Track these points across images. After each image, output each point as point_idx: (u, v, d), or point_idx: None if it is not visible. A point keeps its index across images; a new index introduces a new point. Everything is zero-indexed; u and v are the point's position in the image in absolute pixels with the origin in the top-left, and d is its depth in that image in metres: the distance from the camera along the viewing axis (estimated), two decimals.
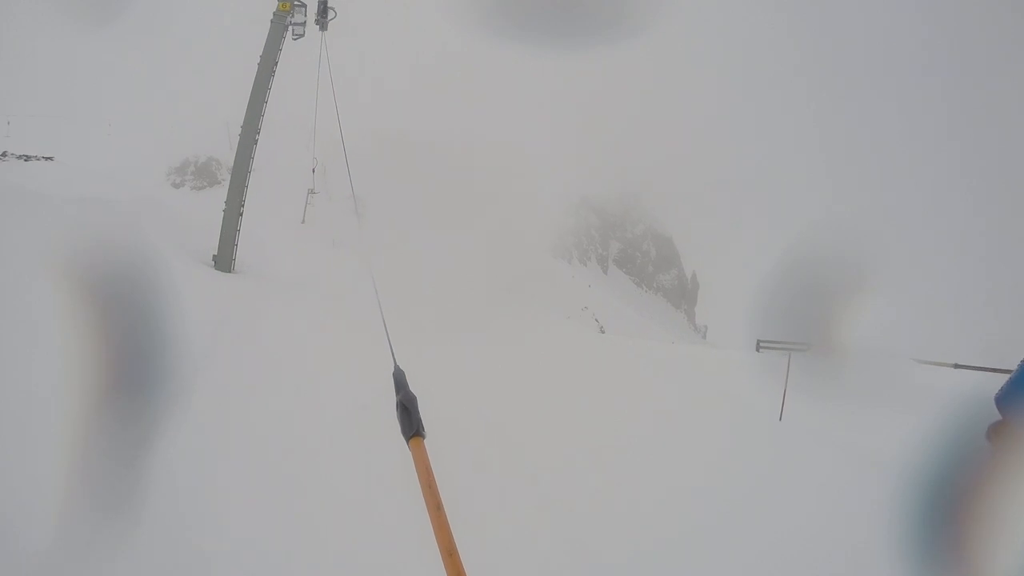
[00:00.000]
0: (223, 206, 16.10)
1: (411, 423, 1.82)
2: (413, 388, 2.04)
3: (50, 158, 20.01)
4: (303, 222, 31.44)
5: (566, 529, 6.74)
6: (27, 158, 19.51)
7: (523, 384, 13.72)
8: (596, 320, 42.34)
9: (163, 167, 39.04)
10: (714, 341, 69.07)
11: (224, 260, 15.65)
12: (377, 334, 3.18)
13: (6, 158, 19.08)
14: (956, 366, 18.50)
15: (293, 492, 6.02)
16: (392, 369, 2.07)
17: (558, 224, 55.20)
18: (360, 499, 6.16)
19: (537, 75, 56.99)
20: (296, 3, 15.59)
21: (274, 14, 15.52)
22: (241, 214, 16.16)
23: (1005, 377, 1.57)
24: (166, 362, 5.39)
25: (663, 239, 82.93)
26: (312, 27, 16.05)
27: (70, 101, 38.77)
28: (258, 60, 15.82)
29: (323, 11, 15.79)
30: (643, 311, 63.16)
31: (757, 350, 20.72)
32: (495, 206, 40.93)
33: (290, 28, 15.72)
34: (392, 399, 1.94)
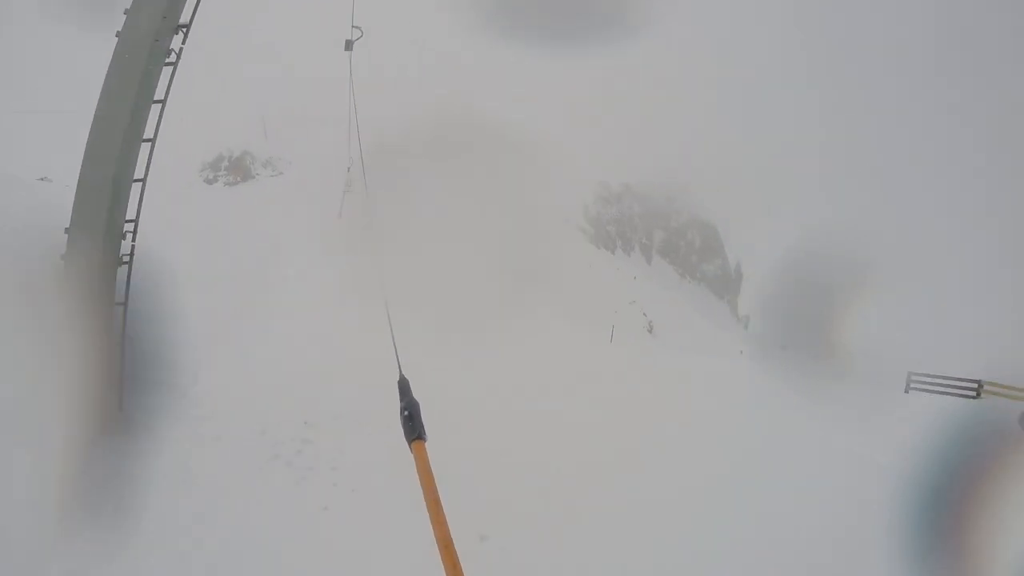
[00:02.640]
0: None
1: (414, 428, 1.99)
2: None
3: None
4: (340, 216, 30.29)
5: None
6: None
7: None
8: (644, 315, 40.63)
9: (196, 162, 38.06)
10: (756, 331, 67.30)
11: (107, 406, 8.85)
12: None
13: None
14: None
15: None
16: (397, 377, 2.13)
17: (601, 214, 53.62)
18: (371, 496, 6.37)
19: (562, 70, 55.57)
20: None
21: None
22: (126, 260, 9.53)
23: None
24: None
25: (707, 227, 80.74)
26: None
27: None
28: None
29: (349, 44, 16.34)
30: (687, 302, 61.27)
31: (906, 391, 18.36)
32: (535, 198, 39.66)
33: None
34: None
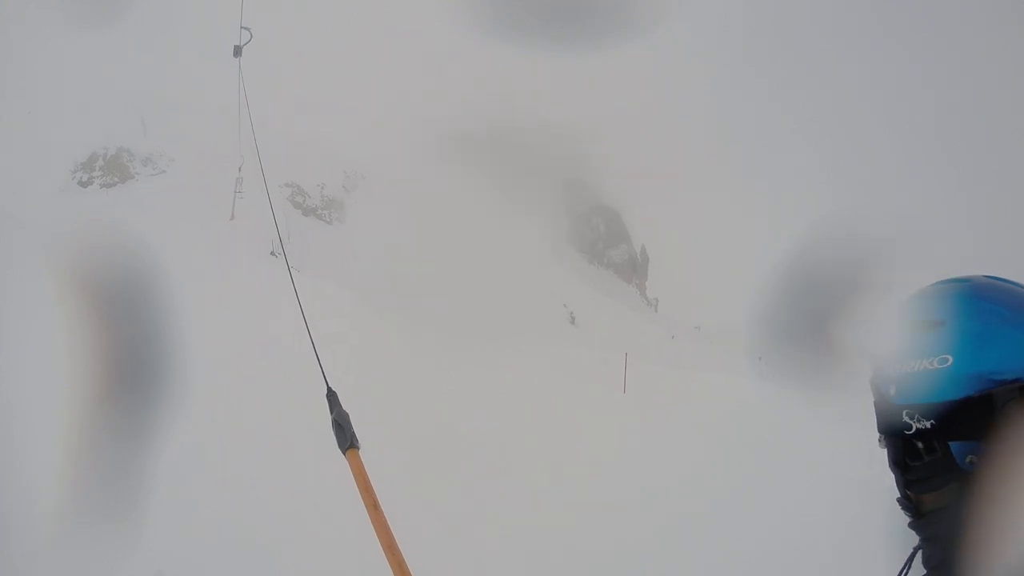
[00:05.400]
0: None
1: (345, 437, 1.93)
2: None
3: None
4: (232, 218, 27.55)
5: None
6: None
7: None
8: (564, 306, 39.30)
9: (69, 163, 34.36)
10: (665, 313, 67.64)
11: None
12: None
13: None
14: None
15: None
16: (325, 391, 2.11)
17: (518, 206, 52.34)
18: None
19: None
20: None
21: None
22: None
23: None
24: None
25: (611, 214, 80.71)
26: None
27: None
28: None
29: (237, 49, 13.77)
30: (599, 289, 60.61)
31: None
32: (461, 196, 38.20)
33: None
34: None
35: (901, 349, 1.22)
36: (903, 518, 1.23)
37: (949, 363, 1.15)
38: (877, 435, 1.30)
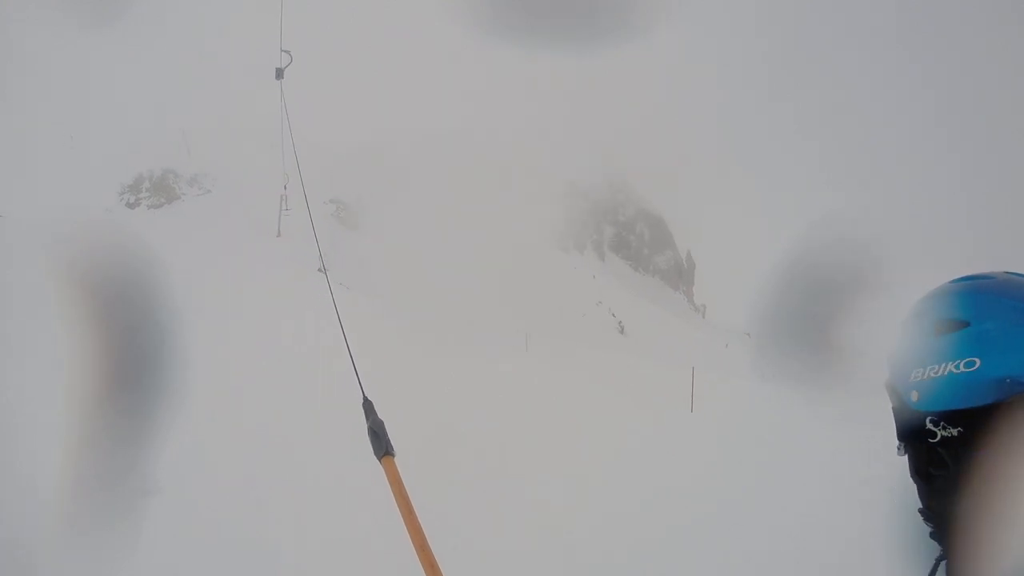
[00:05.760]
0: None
1: (381, 445, 1.98)
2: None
3: None
4: (279, 236, 27.61)
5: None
6: None
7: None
8: (613, 315, 38.64)
9: (116, 185, 34.80)
10: (713, 319, 66.56)
11: None
12: None
13: None
14: None
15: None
16: (361, 400, 2.16)
17: (555, 214, 51.79)
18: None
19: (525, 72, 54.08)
20: None
21: None
22: None
23: None
24: None
25: (655, 219, 79.67)
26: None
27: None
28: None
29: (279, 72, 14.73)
30: (646, 296, 59.79)
31: None
32: (496, 206, 37.92)
33: None
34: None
35: (922, 352, 1.15)
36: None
37: (977, 366, 1.07)
38: (896, 443, 1.22)
